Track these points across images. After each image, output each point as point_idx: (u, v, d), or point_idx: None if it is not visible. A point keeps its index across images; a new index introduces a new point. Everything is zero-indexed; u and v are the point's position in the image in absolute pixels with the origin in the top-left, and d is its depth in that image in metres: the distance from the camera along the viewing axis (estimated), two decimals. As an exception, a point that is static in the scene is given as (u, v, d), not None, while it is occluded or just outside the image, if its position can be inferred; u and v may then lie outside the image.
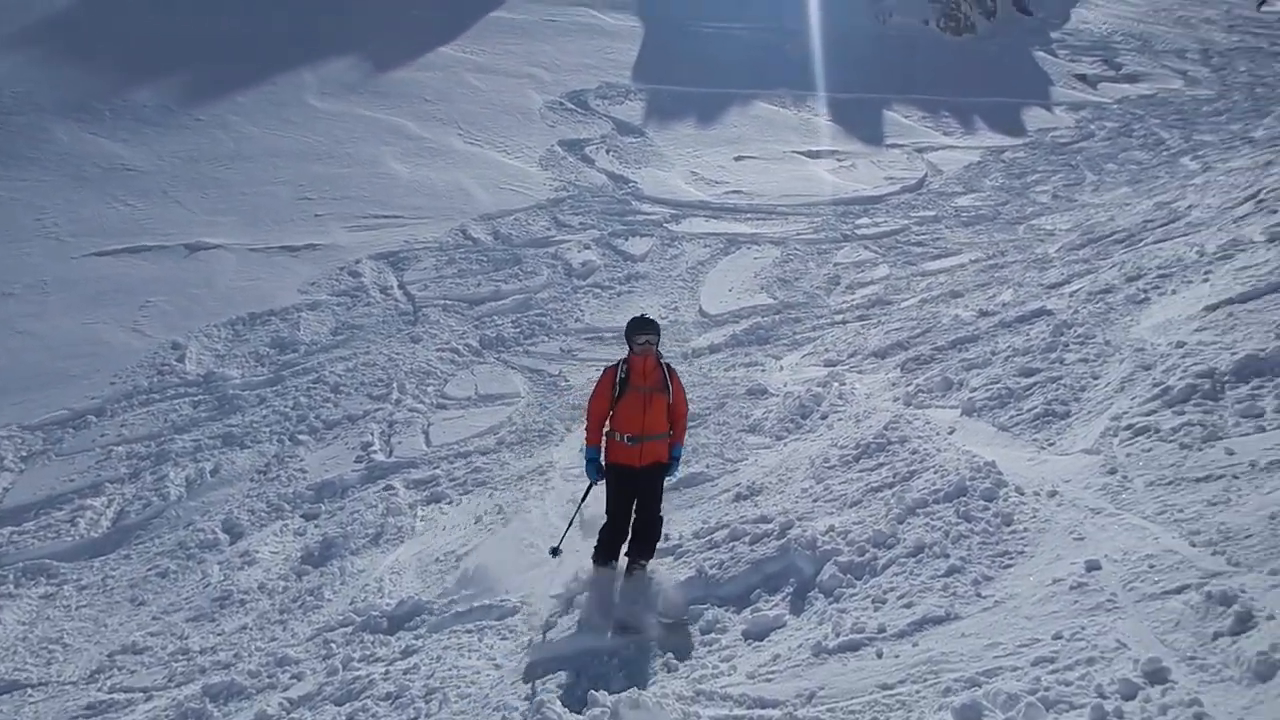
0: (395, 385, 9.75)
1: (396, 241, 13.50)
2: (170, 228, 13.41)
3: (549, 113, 19.45)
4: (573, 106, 19.95)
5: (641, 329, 5.35)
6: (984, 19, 32.50)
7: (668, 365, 5.61)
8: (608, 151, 17.83)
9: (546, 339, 10.95)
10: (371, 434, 8.88)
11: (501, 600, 5.70)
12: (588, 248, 13.70)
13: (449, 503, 7.67)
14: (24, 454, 8.81)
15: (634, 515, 5.50)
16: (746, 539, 5.49)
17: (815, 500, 5.91)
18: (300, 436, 8.94)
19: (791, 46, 26.16)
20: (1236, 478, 4.32)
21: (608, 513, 5.52)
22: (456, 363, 10.33)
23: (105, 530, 7.78)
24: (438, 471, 8.20)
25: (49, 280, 11.86)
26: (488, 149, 17.25)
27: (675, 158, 17.95)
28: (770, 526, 5.53)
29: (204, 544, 7.41)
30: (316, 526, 7.52)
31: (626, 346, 5.44)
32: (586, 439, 5.59)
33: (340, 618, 6.03)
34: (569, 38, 24.34)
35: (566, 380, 9.87)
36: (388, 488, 7.96)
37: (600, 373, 5.56)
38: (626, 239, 14.10)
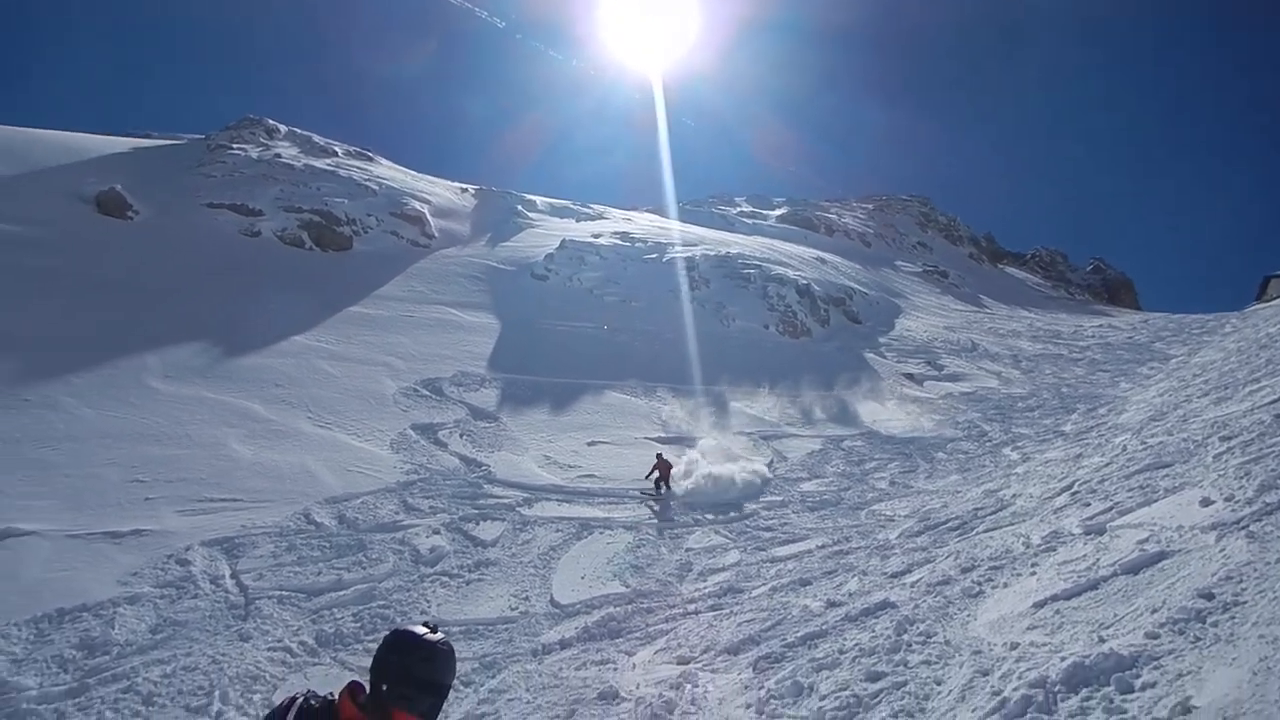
0: (217, 694, 8.69)
1: (233, 526, 12.76)
2: (-23, 513, 12.31)
3: (403, 398, 19.56)
4: (427, 393, 20.17)
5: (442, 673, 2.62)
6: (819, 326, 35.73)
7: None
8: (461, 435, 17.89)
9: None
10: (184, 756, 7.85)
11: None
12: (437, 533, 13.33)
13: None
14: None
15: None
16: None
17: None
18: (101, 760, 7.80)
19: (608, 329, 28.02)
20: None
21: None
22: (288, 664, 9.47)
23: None
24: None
25: None
26: (337, 432, 17.01)
27: (529, 442, 18.14)
28: None
29: None
30: None
31: (399, 707, 2.55)
32: None
33: None
34: (425, 330, 25.12)
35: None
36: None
37: None
38: (478, 523, 13.84)
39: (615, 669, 9.12)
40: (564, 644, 10.03)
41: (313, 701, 2.54)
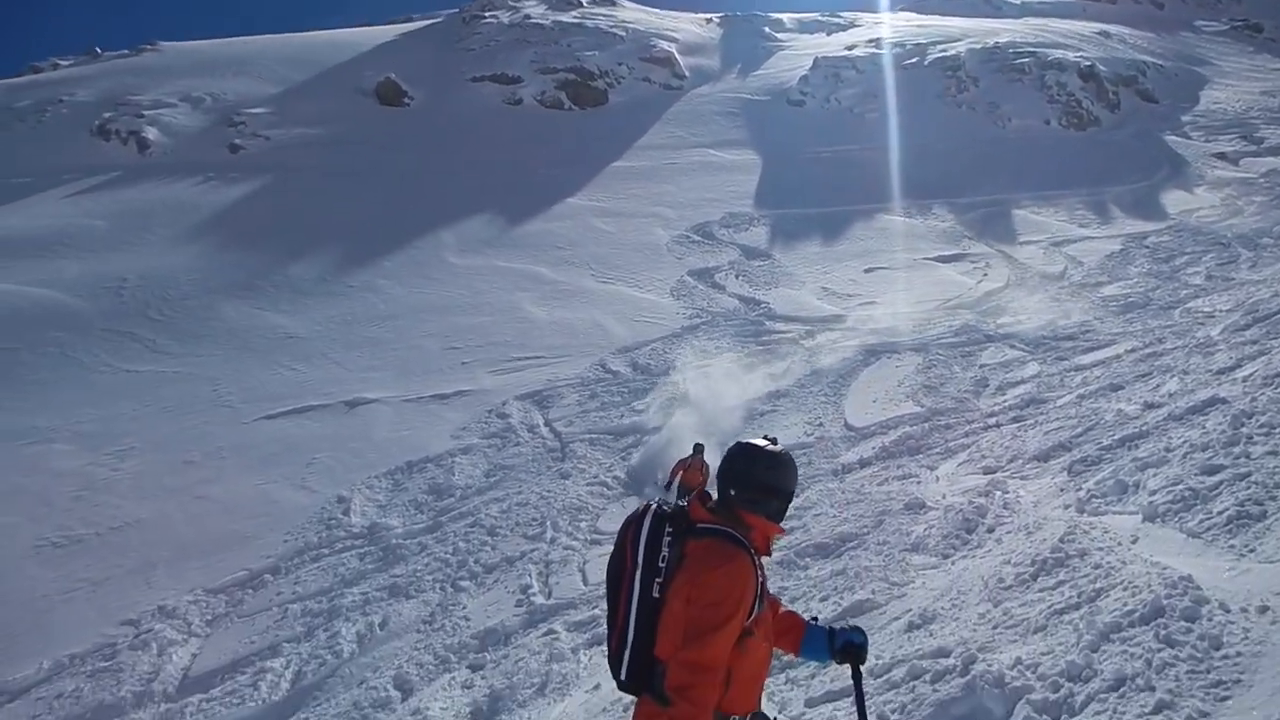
0: (549, 524, 9.81)
1: (540, 381, 13.89)
2: (331, 386, 14.16)
3: (676, 246, 19.98)
4: (699, 238, 20.44)
5: (786, 479, 2.72)
6: (1108, 112, 32.16)
7: None
8: (737, 276, 18.09)
9: (694, 469, 10.92)
10: (529, 575, 8.87)
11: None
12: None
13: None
14: (209, 617, 9.12)
15: None
16: (927, 677, 5.05)
17: (995, 627, 5.40)
18: (461, 583, 9.00)
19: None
20: None
21: None
22: (607, 496, 10.40)
23: (285, 693, 7.84)
24: (597, 612, 8.02)
25: (225, 446, 12.57)
26: (620, 285, 17.74)
27: (805, 276, 18.03)
28: (951, 661, 5.05)
29: (377, 703, 7.41)
30: (483, 678, 7.42)
31: (746, 510, 2.65)
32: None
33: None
34: (688, 176, 25.24)
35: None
36: (549, 632, 7.82)
37: (725, 567, 2.49)
38: (766, 360, 14.10)
39: (918, 482, 9.11)
40: (863, 463, 10.18)
41: (665, 507, 2.73)
